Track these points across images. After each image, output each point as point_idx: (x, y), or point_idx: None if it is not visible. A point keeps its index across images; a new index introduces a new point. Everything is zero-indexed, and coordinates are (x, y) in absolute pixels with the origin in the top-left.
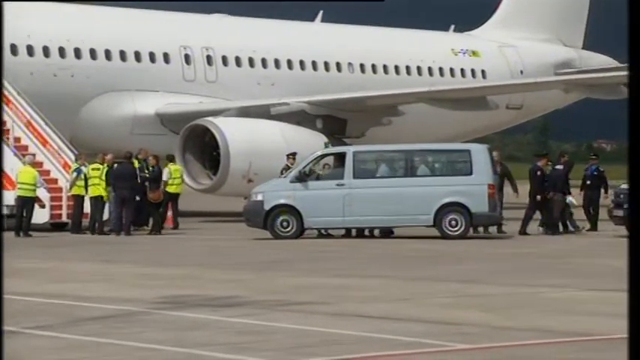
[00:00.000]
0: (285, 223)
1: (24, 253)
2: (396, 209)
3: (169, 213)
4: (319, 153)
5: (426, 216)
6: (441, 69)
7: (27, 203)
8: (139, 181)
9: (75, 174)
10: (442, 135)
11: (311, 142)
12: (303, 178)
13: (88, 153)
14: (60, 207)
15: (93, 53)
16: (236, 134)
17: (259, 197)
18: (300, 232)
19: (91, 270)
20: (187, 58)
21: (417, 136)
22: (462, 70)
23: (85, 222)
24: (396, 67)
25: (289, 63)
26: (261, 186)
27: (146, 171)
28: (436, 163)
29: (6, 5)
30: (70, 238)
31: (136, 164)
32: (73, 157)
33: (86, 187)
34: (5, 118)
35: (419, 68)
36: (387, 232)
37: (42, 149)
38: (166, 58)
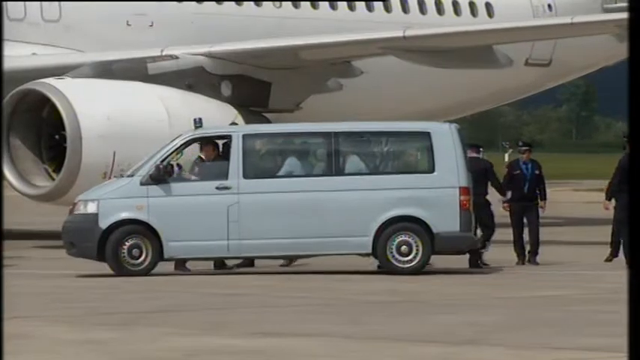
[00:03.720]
0: (135, 251)
1: None
2: (312, 228)
3: None
4: (187, 137)
5: (361, 238)
6: (420, 2)
7: None
8: None
9: None
10: (424, 107)
11: (213, 119)
12: (161, 177)
13: None
14: None
15: None
16: (92, 107)
17: (91, 208)
18: (155, 264)
19: None
20: None
21: (385, 110)
22: (455, 4)
23: None
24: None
25: None
26: (93, 190)
27: None
28: (377, 154)
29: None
30: None
31: None
32: None
33: None
34: None
35: (386, 1)
36: (247, 263)
37: None
38: None
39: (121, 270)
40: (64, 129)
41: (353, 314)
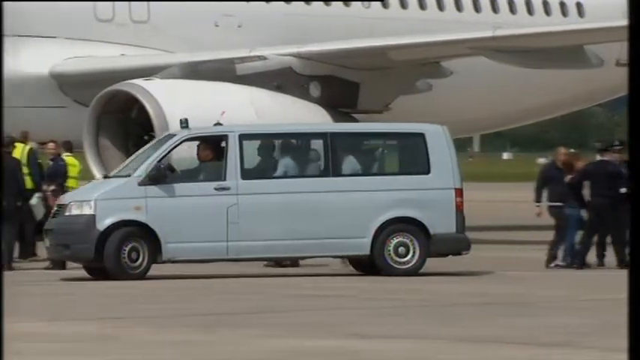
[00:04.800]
0: (134, 254)
1: None
2: (311, 230)
3: None
4: (183, 137)
5: (360, 240)
6: (511, 3)
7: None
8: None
9: None
10: (514, 108)
11: (302, 120)
12: (160, 176)
13: None
14: None
15: None
16: (180, 107)
17: (87, 209)
18: (150, 267)
19: None
20: None
21: (473, 111)
22: (545, 4)
23: None
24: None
25: None
26: (87, 188)
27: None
28: (374, 155)
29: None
30: None
31: (19, 154)
32: None
33: None
34: None
35: (475, 1)
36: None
37: None
38: None
39: (120, 273)
40: (152, 130)
41: (444, 316)
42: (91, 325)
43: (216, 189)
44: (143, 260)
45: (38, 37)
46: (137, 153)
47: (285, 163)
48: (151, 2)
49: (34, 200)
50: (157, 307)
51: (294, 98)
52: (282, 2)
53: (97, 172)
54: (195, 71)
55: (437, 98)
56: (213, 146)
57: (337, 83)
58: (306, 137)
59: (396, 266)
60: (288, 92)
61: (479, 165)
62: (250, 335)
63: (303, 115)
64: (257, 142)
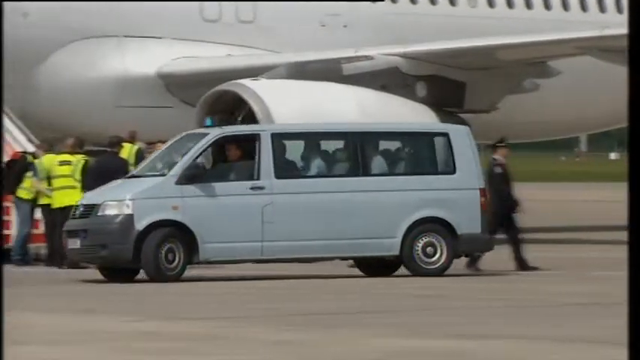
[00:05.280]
0: (170, 255)
1: None
2: (345, 230)
3: None
4: (217, 134)
5: (390, 240)
6: (618, 2)
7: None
8: None
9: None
10: (620, 108)
11: (409, 120)
12: (197, 175)
13: (50, 138)
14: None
15: None
16: (287, 107)
17: (125, 209)
18: (185, 268)
19: (60, 326)
20: None
21: (580, 111)
22: None
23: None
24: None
25: None
26: (116, 187)
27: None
28: (402, 155)
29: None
30: (19, 274)
31: (127, 154)
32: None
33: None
34: None
35: (582, 0)
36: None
37: None
38: None
39: (158, 274)
40: None
41: (549, 316)
42: (201, 324)
43: (251, 188)
44: (179, 261)
45: (145, 37)
46: (159, 151)
47: (319, 162)
48: (258, 2)
49: None
50: (259, 306)
51: (401, 98)
52: (388, 2)
53: None
54: (302, 71)
55: (542, 97)
56: (244, 145)
57: (443, 83)
58: (337, 136)
59: (424, 266)
60: (394, 92)
61: (586, 165)
62: (359, 334)
63: (409, 115)
64: (289, 141)
